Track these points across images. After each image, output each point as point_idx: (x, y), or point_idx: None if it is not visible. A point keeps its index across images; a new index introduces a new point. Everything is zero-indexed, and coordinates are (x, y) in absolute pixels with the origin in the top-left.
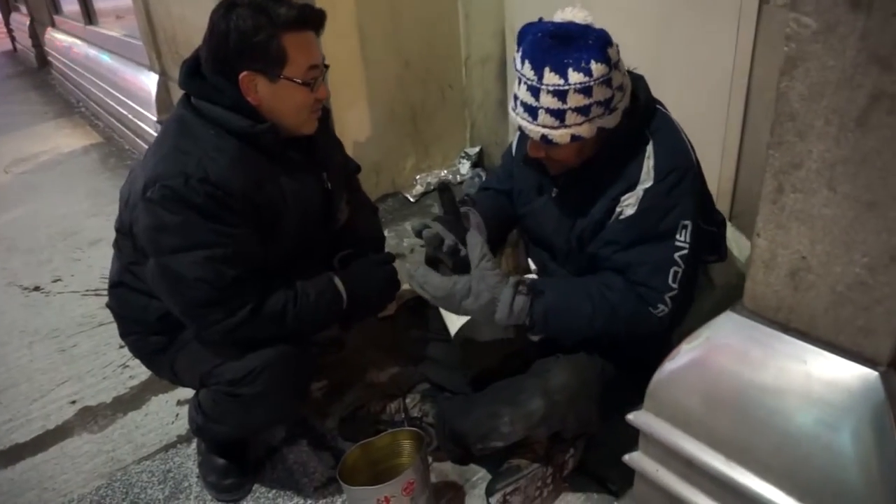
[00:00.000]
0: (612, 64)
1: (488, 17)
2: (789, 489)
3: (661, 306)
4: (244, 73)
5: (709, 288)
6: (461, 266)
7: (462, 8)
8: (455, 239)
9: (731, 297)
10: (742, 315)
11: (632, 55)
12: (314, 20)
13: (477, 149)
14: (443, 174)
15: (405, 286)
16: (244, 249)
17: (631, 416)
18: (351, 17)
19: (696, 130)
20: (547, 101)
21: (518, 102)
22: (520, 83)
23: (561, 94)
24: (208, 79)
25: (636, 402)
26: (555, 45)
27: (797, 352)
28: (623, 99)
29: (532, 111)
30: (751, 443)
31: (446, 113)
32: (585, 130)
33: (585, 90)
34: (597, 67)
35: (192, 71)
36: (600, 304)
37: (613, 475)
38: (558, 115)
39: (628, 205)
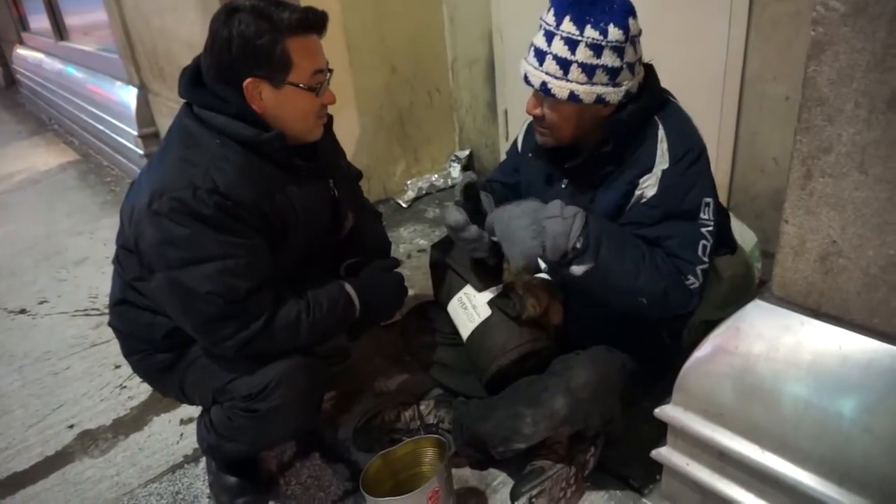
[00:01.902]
0: (629, 36)
1: (474, 20)
2: (829, 476)
3: (693, 278)
4: (248, 81)
5: (716, 280)
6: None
7: (447, 12)
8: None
9: (738, 288)
10: (770, 302)
11: None
12: (317, 23)
13: (467, 152)
14: (434, 178)
15: (412, 291)
16: (255, 260)
17: (658, 411)
18: (337, 23)
19: None
20: (557, 47)
21: (531, 48)
22: (539, 30)
23: (572, 44)
24: (210, 87)
25: (652, 397)
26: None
27: (831, 337)
28: (630, 80)
29: (541, 56)
30: (787, 431)
31: (434, 117)
32: (585, 93)
33: (596, 48)
34: (613, 31)
35: (193, 80)
36: (649, 256)
37: (634, 472)
38: (564, 65)
39: (648, 186)
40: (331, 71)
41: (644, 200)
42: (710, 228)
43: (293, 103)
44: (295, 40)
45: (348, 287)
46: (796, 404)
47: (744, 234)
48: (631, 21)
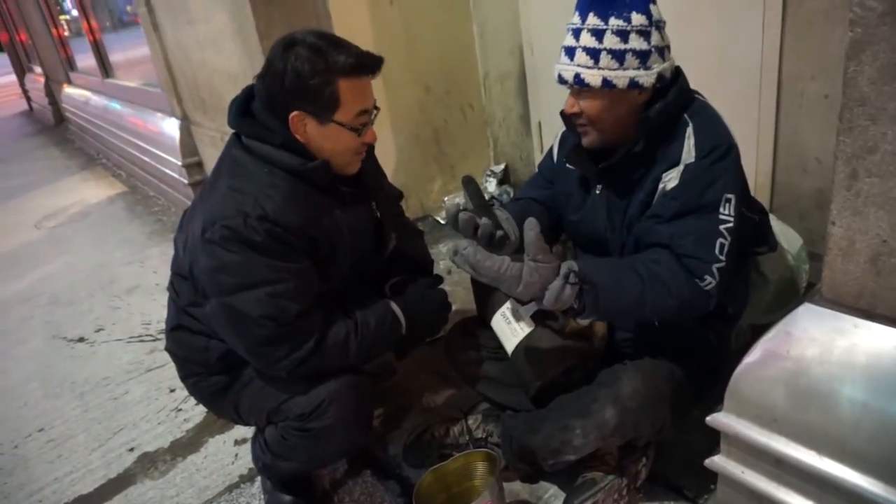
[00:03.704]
0: (653, 21)
1: (503, 34)
2: (889, 479)
3: (709, 278)
4: (294, 113)
5: (763, 283)
6: (497, 249)
7: (477, 28)
8: (490, 222)
9: (785, 291)
10: (821, 305)
11: None
12: (372, 67)
13: (502, 166)
14: None
15: (454, 307)
16: (304, 283)
17: (710, 419)
18: (368, 46)
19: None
20: (585, 39)
21: (562, 50)
22: (567, 33)
23: (598, 34)
24: (258, 116)
25: (702, 405)
26: None
27: (886, 337)
28: (661, 64)
29: (571, 52)
30: (845, 435)
31: (469, 133)
32: (617, 78)
33: (622, 34)
34: (637, 17)
35: (242, 110)
36: (649, 280)
37: (688, 481)
38: (593, 54)
39: (670, 179)
40: (377, 109)
41: (665, 192)
42: (730, 225)
43: (335, 139)
44: (346, 82)
45: (394, 305)
46: (853, 407)
47: (789, 237)
48: (652, 7)
